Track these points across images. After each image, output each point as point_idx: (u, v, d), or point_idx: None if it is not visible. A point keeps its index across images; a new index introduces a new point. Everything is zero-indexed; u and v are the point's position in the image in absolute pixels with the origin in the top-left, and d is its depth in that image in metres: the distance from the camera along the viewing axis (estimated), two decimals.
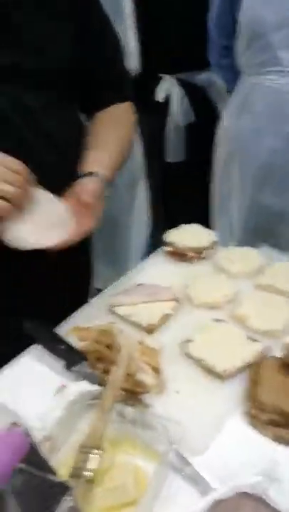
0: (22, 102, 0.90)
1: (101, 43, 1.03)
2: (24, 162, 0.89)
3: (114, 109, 1.09)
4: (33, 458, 0.47)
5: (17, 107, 0.90)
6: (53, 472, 0.48)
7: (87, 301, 1.11)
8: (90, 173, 0.97)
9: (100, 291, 1.14)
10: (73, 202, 0.92)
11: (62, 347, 0.92)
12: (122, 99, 1.10)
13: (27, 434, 0.45)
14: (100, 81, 1.06)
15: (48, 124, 0.95)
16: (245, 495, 0.62)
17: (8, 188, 0.81)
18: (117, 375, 0.74)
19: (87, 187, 0.94)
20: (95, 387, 0.79)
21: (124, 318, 1.00)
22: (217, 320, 0.96)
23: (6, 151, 0.87)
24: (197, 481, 0.68)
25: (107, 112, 1.09)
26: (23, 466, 0.48)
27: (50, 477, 0.48)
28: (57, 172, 0.96)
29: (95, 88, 1.06)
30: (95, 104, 1.09)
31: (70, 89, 1.00)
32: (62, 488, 0.47)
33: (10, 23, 0.87)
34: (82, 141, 1.04)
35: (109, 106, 1.08)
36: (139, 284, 1.10)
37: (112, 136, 1.05)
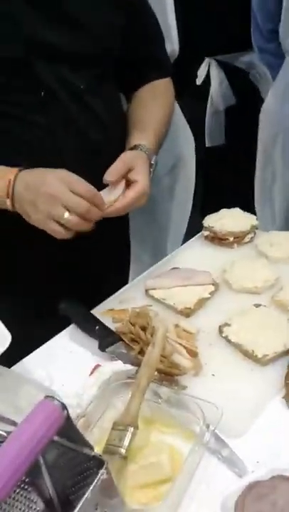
0: (69, 80, 0.92)
1: (142, 23, 1.05)
2: (72, 139, 0.93)
3: (155, 84, 1.10)
4: (68, 431, 0.46)
5: (65, 84, 0.92)
6: (88, 446, 0.48)
7: (124, 284, 1.10)
8: (136, 146, 0.99)
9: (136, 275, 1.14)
10: (121, 176, 0.93)
11: (97, 328, 0.92)
12: (162, 76, 1.11)
13: (63, 408, 0.45)
14: (140, 59, 1.06)
15: (92, 102, 0.96)
16: (281, 478, 0.60)
17: (66, 216, 0.82)
18: (153, 354, 0.73)
19: (135, 162, 0.95)
20: (130, 367, 0.79)
21: (159, 301, 0.99)
22: (257, 305, 0.94)
23: (56, 128, 0.91)
24: (234, 463, 0.67)
25: (149, 86, 1.10)
26: (57, 438, 0.47)
27: (85, 451, 0.48)
28: (103, 149, 0.98)
29: (135, 66, 1.06)
30: (135, 82, 1.10)
31: (113, 69, 1.01)
32: (98, 462, 0.47)
33: (65, 7, 0.89)
34: (123, 119, 1.06)
35: (151, 81, 1.10)
36: (174, 268, 1.09)
37: (154, 109, 1.07)
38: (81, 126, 0.95)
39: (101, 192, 0.91)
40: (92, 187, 0.86)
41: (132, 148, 1.01)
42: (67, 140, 0.95)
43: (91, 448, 0.48)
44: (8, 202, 0.86)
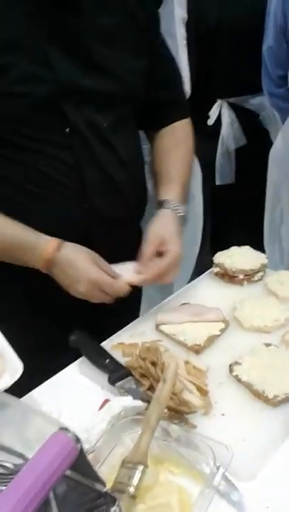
0: (93, 119, 0.96)
1: (163, 68, 1.10)
2: (98, 178, 0.99)
3: (176, 128, 1.15)
4: (81, 465, 0.46)
5: (89, 123, 0.96)
6: (100, 481, 0.47)
7: (135, 319, 1.10)
8: (164, 202, 1.06)
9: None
10: (154, 245, 1.00)
11: (108, 361, 0.92)
12: (182, 117, 1.15)
13: (76, 440, 0.45)
14: (161, 101, 1.11)
15: (114, 141, 1.00)
16: None
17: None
18: (163, 391, 0.73)
19: (163, 235, 1.01)
20: (140, 403, 0.78)
21: (169, 337, 0.99)
22: (267, 344, 0.94)
23: (80, 165, 0.97)
24: (243, 508, 0.65)
25: (169, 132, 1.14)
26: (69, 473, 0.47)
27: (97, 486, 0.47)
28: (126, 187, 1.03)
29: (156, 107, 1.11)
30: (156, 123, 1.15)
31: (135, 110, 1.06)
32: (109, 499, 0.46)
33: (94, 54, 0.94)
34: (141, 157, 1.10)
35: (170, 124, 1.14)
36: (184, 303, 1.09)
37: (178, 159, 1.12)
38: (103, 164, 0.99)
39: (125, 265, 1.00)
40: (116, 282, 0.96)
41: (159, 204, 1.06)
42: (90, 177, 0.98)
43: (103, 484, 0.47)
44: (44, 271, 0.95)
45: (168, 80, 1.12)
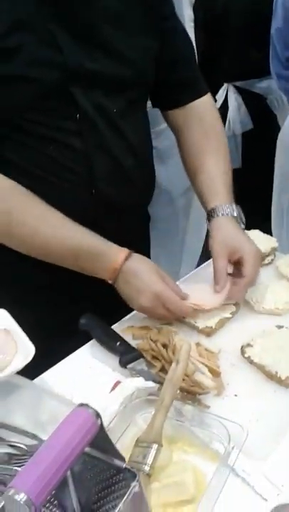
0: (103, 104, 0.94)
1: (176, 45, 1.06)
2: (106, 165, 0.97)
3: (202, 114, 1.10)
4: (100, 441, 0.46)
5: (99, 109, 0.94)
6: (119, 457, 0.47)
7: None
8: (215, 210, 1.01)
9: None
10: (224, 258, 0.97)
11: (118, 344, 0.92)
12: (200, 95, 1.11)
13: (97, 416, 0.45)
14: (175, 79, 1.08)
15: (123, 126, 0.98)
16: None
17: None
18: (177, 371, 0.72)
19: (231, 236, 0.99)
20: (152, 384, 0.78)
21: (180, 320, 0.99)
22: (279, 326, 0.93)
23: (89, 151, 0.95)
24: (259, 486, 0.65)
25: (198, 122, 1.09)
26: (87, 449, 0.47)
27: (117, 462, 0.47)
28: (134, 173, 1.01)
29: (170, 86, 1.08)
30: (172, 102, 1.11)
31: (146, 93, 1.04)
32: (129, 475, 0.46)
33: (101, 34, 0.92)
34: (150, 144, 1.09)
35: (188, 103, 1.10)
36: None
37: (214, 157, 1.07)
38: (113, 150, 0.97)
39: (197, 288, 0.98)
40: (181, 301, 0.93)
41: (210, 213, 1.02)
42: (99, 163, 0.97)
43: (122, 459, 0.47)
44: (110, 281, 0.94)
45: (180, 55, 1.08)
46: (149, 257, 1.25)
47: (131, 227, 1.07)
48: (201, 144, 1.08)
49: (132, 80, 0.97)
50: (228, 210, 1.01)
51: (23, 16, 0.86)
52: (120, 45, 0.94)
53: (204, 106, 1.12)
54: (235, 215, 1.02)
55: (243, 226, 1.03)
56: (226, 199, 1.03)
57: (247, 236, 1.01)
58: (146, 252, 1.24)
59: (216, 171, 1.06)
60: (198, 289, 0.98)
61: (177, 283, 1.01)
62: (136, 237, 1.14)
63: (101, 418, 0.46)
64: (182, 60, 1.09)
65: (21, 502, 0.37)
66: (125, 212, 1.04)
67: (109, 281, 0.94)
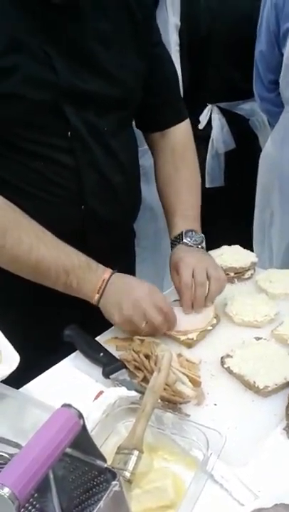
0: (94, 123, 0.97)
1: (162, 71, 1.12)
2: (96, 181, 1.00)
3: (175, 144, 1.16)
4: (82, 442, 0.47)
5: (90, 127, 0.97)
6: (101, 457, 0.49)
7: None
8: (180, 236, 1.08)
9: None
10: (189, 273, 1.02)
11: (102, 355, 0.93)
12: (179, 119, 1.17)
13: (79, 416, 0.46)
14: (158, 103, 1.13)
15: (114, 146, 1.02)
16: (283, 505, 0.61)
17: (143, 326, 0.94)
18: (158, 379, 0.74)
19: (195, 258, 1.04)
20: (134, 393, 0.80)
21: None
22: (257, 338, 0.96)
23: (80, 168, 0.98)
24: (236, 492, 0.67)
25: (170, 153, 1.15)
26: (69, 450, 0.48)
27: (98, 463, 0.49)
28: (123, 190, 1.05)
29: (153, 109, 1.13)
30: (153, 125, 1.16)
31: (133, 113, 1.08)
32: (110, 475, 0.48)
33: (95, 57, 0.96)
34: (138, 162, 1.13)
35: (169, 127, 1.16)
36: (175, 300, 1.11)
37: (183, 188, 1.13)
38: (103, 167, 1.01)
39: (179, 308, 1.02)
40: (170, 307, 0.97)
41: (176, 238, 1.09)
42: (89, 180, 1.00)
43: (104, 460, 0.49)
44: (97, 297, 0.95)
45: (165, 81, 1.13)
46: (134, 272, 1.28)
47: (118, 242, 1.11)
48: (170, 177, 1.15)
49: (122, 100, 1.01)
50: (189, 239, 1.08)
51: (20, 37, 0.89)
52: (111, 66, 0.98)
53: (180, 134, 1.17)
54: (197, 244, 1.08)
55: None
56: (189, 227, 1.10)
57: (209, 260, 1.06)
58: (131, 268, 1.27)
59: (181, 199, 1.13)
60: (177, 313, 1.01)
61: None
62: (122, 253, 1.18)
63: (83, 418, 0.47)
64: (166, 85, 1.14)
65: (5, 496, 0.39)
66: (113, 228, 1.07)
67: (94, 297, 0.95)
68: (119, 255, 1.12)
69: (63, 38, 0.92)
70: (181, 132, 1.18)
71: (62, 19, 0.92)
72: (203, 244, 1.10)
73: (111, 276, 0.95)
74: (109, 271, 0.96)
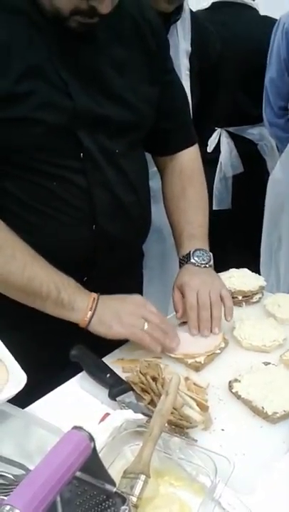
0: (106, 145, 0.99)
1: (174, 96, 1.14)
2: (108, 201, 1.02)
3: (183, 166, 1.18)
4: (92, 465, 0.47)
5: (102, 149, 0.99)
6: (111, 482, 0.48)
7: None
8: (187, 256, 1.09)
9: None
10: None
11: (108, 376, 0.93)
12: (188, 144, 1.19)
13: (90, 439, 0.46)
14: (168, 128, 1.14)
15: (125, 167, 1.03)
16: None
17: (146, 327, 0.96)
18: (166, 402, 0.74)
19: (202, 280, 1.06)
20: (141, 416, 0.79)
21: (169, 354, 1.00)
22: (266, 363, 0.95)
23: (92, 189, 0.99)
24: None
25: (177, 175, 1.17)
26: (79, 474, 0.48)
27: (107, 487, 0.48)
28: (134, 210, 1.06)
29: (163, 134, 1.14)
30: (162, 149, 1.18)
31: (144, 136, 1.09)
32: (119, 499, 0.47)
33: (109, 83, 0.98)
34: (148, 183, 1.14)
35: (178, 151, 1.18)
36: (183, 322, 1.10)
37: (188, 208, 1.15)
38: (115, 187, 1.02)
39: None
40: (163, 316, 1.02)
41: (184, 257, 1.10)
42: (101, 200, 1.01)
43: (113, 484, 0.48)
44: (89, 314, 0.96)
45: (176, 107, 1.15)
46: (141, 293, 1.28)
47: (127, 263, 1.11)
48: (178, 197, 1.16)
49: (134, 125, 1.03)
50: (196, 260, 1.09)
51: (37, 64, 0.90)
52: (125, 91, 1.00)
53: (189, 157, 1.19)
54: (204, 263, 1.09)
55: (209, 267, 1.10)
56: (195, 246, 1.11)
57: (215, 279, 1.08)
58: (139, 288, 1.27)
59: (186, 219, 1.14)
60: (184, 336, 1.02)
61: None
62: (131, 273, 1.18)
63: (94, 441, 0.47)
64: (177, 111, 1.16)
65: None
66: (123, 248, 1.08)
67: (87, 314, 0.95)
68: (128, 275, 1.12)
69: (79, 64, 0.94)
70: (190, 155, 1.20)
71: (78, 45, 0.94)
72: (211, 263, 1.10)
73: (98, 296, 0.97)
74: (95, 293, 0.98)
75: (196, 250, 1.09)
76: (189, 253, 1.09)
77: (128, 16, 1.01)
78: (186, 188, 1.17)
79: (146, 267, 1.53)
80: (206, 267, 1.08)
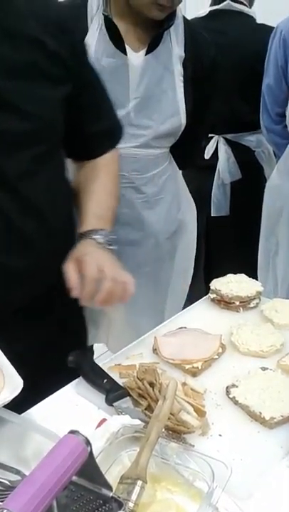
0: (3, 168, 0.87)
1: (92, 97, 1.04)
2: (2, 229, 0.89)
3: (104, 156, 1.10)
4: (89, 469, 0.47)
5: None
6: (107, 486, 0.48)
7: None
8: (84, 234, 0.99)
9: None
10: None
11: (105, 381, 0.92)
12: (112, 146, 1.11)
13: (87, 443, 0.46)
14: (91, 132, 1.06)
15: (25, 189, 0.90)
16: None
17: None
18: (164, 407, 0.74)
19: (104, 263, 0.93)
20: (138, 422, 0.79)
21: (166, 360, 1.00)
22: (263, 368, 0.95)
23: None
24: None
25: (98, 161, 1.09)
26: (75, 478, 0.47)
27: (104, 491, 0.48)
28: (40, 241, 0.94)
29: (86, 139, 1.06)
30: (86, 154, 1.09)
31: (57, 145, 0.97)
32: (116, 504, 0.47)
33: (1, 89, 0.85)
34: (67, 201, 1.03)
35: (101, 155, 1.09)
36: (181, 327, 1.10)
37: (97, 191, 1.06)
38: (9, 213, 0.89)
39: None
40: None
41: (86, 232, 0.99)
42: None
43: (110, 488, 0.48)
44: None
45: (96, 109, 1.05)
46: (83, 335, 1.19)
47: (42, 300, 0.98)
48: (89, 179, 1.07)
49: (33, 135, 0.89)
50: (95, 237, 0.98)
51: None
52: (20, 99, 0.86)
53: (108, 155, 1.10)
54: (100, 241, 0.98)
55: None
56: (96, 226, 1.00)
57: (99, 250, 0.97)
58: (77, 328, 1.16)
59: (92, 201, 1.04)
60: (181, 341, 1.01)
61: (160, 335, 1.05)
62: (47, 314, 1.02)
63: (91, 445, 0.47)
64: (100, 114, 1.06)
65: None
66: (27, 284, 0.95)
67: None
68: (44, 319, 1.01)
69: None
70: (109, 153, 1.11)
71: None
72: (115, 247, 1.00)
73: None
74: None
75: (101, 230, 1.00)
76: (93, 230, 0.99)
77: (20, 13, 0.88)
78: (100, 173, 1.07)
79: (141, 273, 1.53)
80: (108, 248, 0.98)
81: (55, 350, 0.97)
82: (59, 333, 1.03)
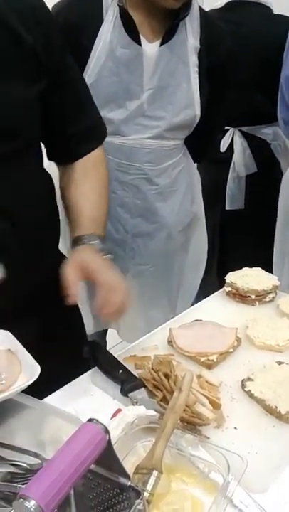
0: None
1: (71, 95, 1.00)
2: None
3: (90, 161, 1.06)
4: (107, 457, 0.47)
5: None
6: (125, 475, 0.48)
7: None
8: (78, 239, 0.97)
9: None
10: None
11: (120, 372, 0.93)
12: (97, 146, 1.07)
13: (105, 431, 0.46)
14: (75, 132, 1.02)
15: None
16: None
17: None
18: (179, 399, 0.74)
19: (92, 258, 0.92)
20: (153, 412, 0.79)
21: (182, 352, 1.00)
22: (279, 362, 0.95)
23: None
24: None
25: (85, 160, 1.05)
26: (93, 467, 0.48)
27: (122, 480, 0.48)
28: (13, 243, 0.90)
29: (68, 139, 1.02)
30: (70, 155, 1.05)
31: (31, 144, 0.93)
32: (133, 493, 0.47)
33: None
34: (49, 196, 1.01)
35: (84, 155, 1.05)
36: (196, 320, 1.10)
37: (88, 193, 1.03)
38: None
39: None
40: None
41: (73, 243, 0.98)
42: None
43: (128, 477, 0.48)
44: None
45: (77, 108, 1.01)
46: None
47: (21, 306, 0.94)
48: (79, 179, 1.04)
49: (10, 134, 0.86)
50: (92, 243, 0.97)
51: None
52: None
53: (94, 153, 1.07)
54: (98, 248, 0.96)
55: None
56: (91, 231, 0.98)
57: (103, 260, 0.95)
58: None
59: (84, 203, 1.02)
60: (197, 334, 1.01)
61: (176, 327, 1.05)
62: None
63: (109, 434, 0.47)
64: (82, 113, 1.03)
65: (31, 509, 0.38)
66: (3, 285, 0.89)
67: None
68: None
69: None
70: (95, 152, 1.07)
71: None
72: (111, 257, 0.98)
73: None
74: None
75: (99, 236, 0.98)
76: (91, 234, 0.97)
77: None
78: (89, 172, 1.04)
79: (154, 265, 1.53)
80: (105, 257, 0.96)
81: (54, 344, 0.97)
82: (53, 327, 1.02)
